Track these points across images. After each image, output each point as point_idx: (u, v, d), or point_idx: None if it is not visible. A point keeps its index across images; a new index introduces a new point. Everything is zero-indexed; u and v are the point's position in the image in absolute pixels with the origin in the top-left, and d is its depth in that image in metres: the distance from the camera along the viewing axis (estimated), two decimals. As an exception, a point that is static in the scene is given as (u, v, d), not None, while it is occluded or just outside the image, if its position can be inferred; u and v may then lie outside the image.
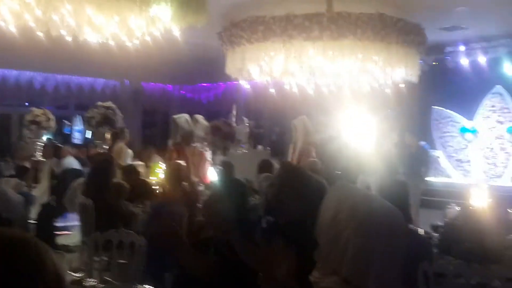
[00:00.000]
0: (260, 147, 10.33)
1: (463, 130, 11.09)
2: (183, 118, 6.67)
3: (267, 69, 8.67)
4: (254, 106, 15.43)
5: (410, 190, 4.05)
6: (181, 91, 17.40)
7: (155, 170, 7.77)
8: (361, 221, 1.51)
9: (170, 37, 6.82)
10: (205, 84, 16.69)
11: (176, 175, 5.09)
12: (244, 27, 7.84)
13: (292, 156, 8.08)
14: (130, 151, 7.71)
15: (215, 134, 5.49)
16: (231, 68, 8.59)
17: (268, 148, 10.64)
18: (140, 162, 8.90)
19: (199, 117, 7.05)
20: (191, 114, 16.64)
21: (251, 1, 7.96)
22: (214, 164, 7.79)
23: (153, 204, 4.96)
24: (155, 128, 17.14)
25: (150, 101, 16.62)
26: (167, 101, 17.24)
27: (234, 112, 10.15)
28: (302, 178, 2.74)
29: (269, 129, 16.13)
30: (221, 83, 16.15)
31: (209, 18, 7.46)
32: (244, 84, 11.76)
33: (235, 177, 4.81)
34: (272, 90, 11.70)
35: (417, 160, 8.97)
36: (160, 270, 3.72)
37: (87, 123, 8.72)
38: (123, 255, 3.60)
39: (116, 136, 7.97)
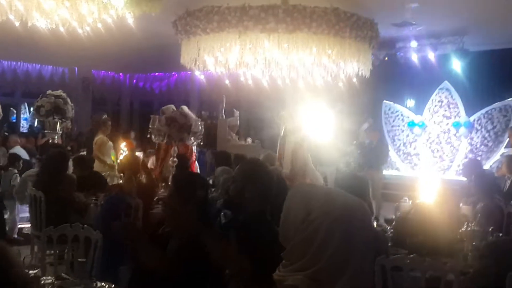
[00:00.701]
0: (249, 139, 10.15)
1: (411, 124, 11.42)
2: (170, 109, 6.57)
3: (223, 60, 8.62)
4: (208, 97, 15.36)
5: (370, 184, 4.16)
6: (133, 80, 17.10)
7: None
8: (337, 217, 1.51)
9: (123, 24, 6.67)
10: (157, 74, 16.45)
11: (130, 167, 4.98)
12: (199, 17, 7.74)
13: (280, 150, 8.02)
14: (111, 143, 7.46)
15: (170, 126, 5.40)
16: (185, 58, 8.47)
17: (257, 140, 10.53)
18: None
19: (185, 108, 6.95)
20: (148, 103, 16.43)
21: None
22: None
23: (107, 196, 4.84)
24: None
25: (100, 89, 16.26)
26: (118, 90, 16.94)
27: (224, 104, 9.89)
28: (265, 174, 2.73)
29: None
30: (174, 73, 15.96)
31: (163, 6, 7.35)
32: (199, 75, 11.68)
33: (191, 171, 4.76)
34: (227, 82, 11.70)
35: (378, 153, 9.14)
36: (115, 263, 3.64)
37: (36, 112, 8.38)
38: (78, 250, 3.50)
39: (98, 127, 7.67)
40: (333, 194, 1.59)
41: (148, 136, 5.75)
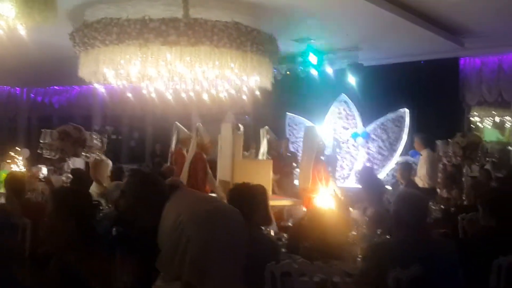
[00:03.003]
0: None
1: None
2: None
3: (124, 73, 8.45)
4: (112, 111, 14.96)
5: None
6: (31, 95, 16.28)
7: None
8: (199, 222, 1.50)
9: (17, 36, 6.33)
10: (57, 87, 15.79)
11: (12, 185, 4.67)
12: (97, 29, 7.56)
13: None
14: (110, 162, 6.92)
15: (64, 140, 5.17)
16: (84, 70, 8.22)
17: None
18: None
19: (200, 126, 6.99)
20: (47, 119, 15.67)
21: (105, 1, 7.71)
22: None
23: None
24: (0, 134, 15.77)
25: (-6, 105, 15.33)
26: (14, 105, 16.05)
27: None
28: (156, 187, 2.66)
29: (128, 135, 15.74)
30: (75, 87, 15.41)
31: (59, 17, 7.05)
32: (100, 88, 11.32)
33: (81, 187, 4.55)
34: (129, 95, 11.44)
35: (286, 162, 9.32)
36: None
37: None
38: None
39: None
40: (203, 200, 1.58)
41: (39, 151, 5.46)
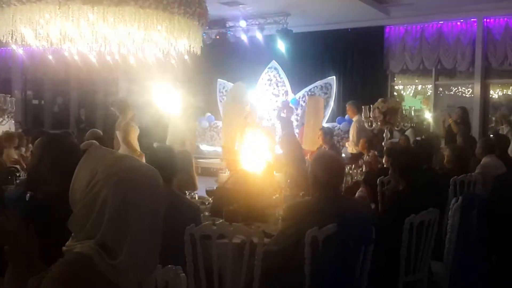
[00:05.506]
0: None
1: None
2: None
3: (43, 33, 8.02)
4: (33, 75, 14.23)
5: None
6: None
7: None
8: (116, 181, 1.45)
9: None
10: (-28, 49, 14.75)
11: None
12: (13, -15, 7.10)
13: None
14: (137, 127, 6.41)
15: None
16: (0, 30, 7.75)
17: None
18: None
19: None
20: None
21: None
22: None
23: None
24: None
25: None
26: None
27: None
28: (65, 147, 2.56)
29: (51, 100, 15.06)
30: (-8, 49, 14.48)
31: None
32: (19, 50, 10.70)
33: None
34: (50, 57, 10.90)
35: None
36: None
37: None
38: None
39: (120, 110, 6.47)
40: (122, 158, 1.51)
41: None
